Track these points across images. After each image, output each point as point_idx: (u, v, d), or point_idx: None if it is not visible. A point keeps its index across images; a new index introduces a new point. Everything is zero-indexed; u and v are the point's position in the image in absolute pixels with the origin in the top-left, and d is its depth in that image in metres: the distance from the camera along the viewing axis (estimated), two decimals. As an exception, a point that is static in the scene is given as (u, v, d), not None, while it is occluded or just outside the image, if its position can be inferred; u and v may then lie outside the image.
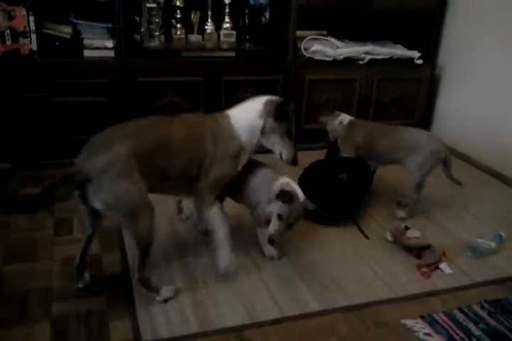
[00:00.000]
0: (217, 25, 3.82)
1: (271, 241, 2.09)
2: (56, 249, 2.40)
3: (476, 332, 2.01)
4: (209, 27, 3.78)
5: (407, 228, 2.67)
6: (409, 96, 4.09)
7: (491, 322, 2.07)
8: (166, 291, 2.08)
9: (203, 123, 2.17)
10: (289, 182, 2.19)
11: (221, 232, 2.16)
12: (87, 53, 3.35)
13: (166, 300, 2.06)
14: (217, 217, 2.17)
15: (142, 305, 2.05)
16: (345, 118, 3.06)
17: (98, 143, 1.89)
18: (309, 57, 3.80)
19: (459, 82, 4.00)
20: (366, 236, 2.67)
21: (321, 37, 3.90)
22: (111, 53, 3.37)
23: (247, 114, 2.17)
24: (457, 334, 1.99)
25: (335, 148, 3.08)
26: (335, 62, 3.81)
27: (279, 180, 2.19)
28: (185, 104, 3.52)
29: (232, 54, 3.67)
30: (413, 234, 2.67)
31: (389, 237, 2.61)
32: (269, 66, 3.69)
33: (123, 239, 2.49)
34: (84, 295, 2.08)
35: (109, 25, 3.39)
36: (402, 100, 4.06)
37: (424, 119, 4.21)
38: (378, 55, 3.92)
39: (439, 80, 4.18)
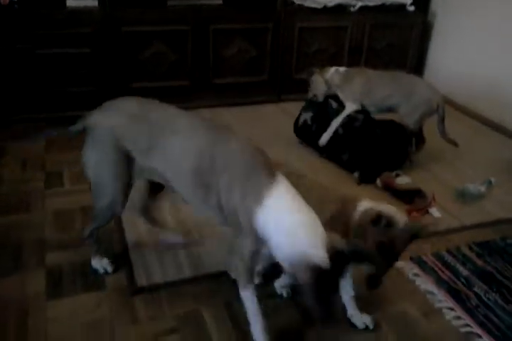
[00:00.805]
0: (203, -29, 3.66)
1: (373, 283, 1.50)
2: (47, 201, 2.40)
3: (464, 272, 2.06)
4: (195, -27, 3.62)
5: (397, 175, 2.68)
6: (401, 43, 4.01)
7: (479, 262, 2.12)
8: (99, 262, 1.96)
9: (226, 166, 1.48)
10: (372, 206, 1.54)
11: (257, 326, 1.59)
12: (70, 3, 3.22)
13: (95, 270, 1.95)
14: (250, 305, 1.58)
15: (136, 252, 2.08)
16: (340, 68, 2.99)
17: (109, 104, 1.73)
18: (299, 4, 3.69)
19: (452, 29, 3.92)
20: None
21: (311, -17, 3.77)
22: (94, 3, 3.25)
23: (297, 215, 1.37)
24: (445, 274, 2.04)
25: (317, 104, 3.04)
26: (325, 10, 3.69)
27: (359, 207, 1.55)
28: (172, 55, 3.43)
29: (220, 1, 3.55)
30: (403, 180, 2.69)
31: (379, 184, 2.63)
32: (258, 14, 3.57)
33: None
34: (78, 245, 2.09)
35: (92, -27, 3.25)
36: (394, 48, 3.99)
37: (417, 67, 4.15)
38: (369, 1, 3.81)
39: (431, 27, 4.09)
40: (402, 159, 2.81)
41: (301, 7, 3.68)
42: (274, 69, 3.73)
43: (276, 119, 3.50)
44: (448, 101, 3.76)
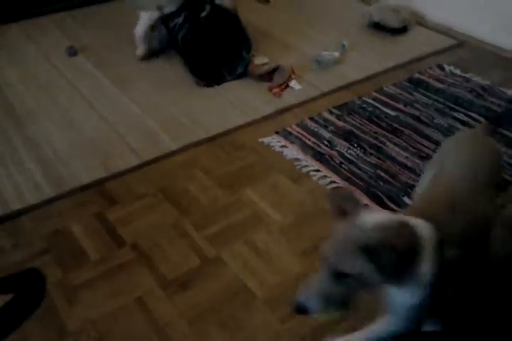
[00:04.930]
0: None
1: None
2: None
3: (327, 134, 2.11)
4: None
5: (252, 55, 2.59)
6: None
7: (339, 123, 2.18)
8: None
9: None
10: None
11: None
12: None
13: None
14: None
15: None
16: None
17: None
18: None
19: None
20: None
21: None
22: None
23: None
24: (310, 140, 2.08)
25: None
26: None
27: None
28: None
29: None
30: (261, 60, 2.63)
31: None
32: None
33: None
34: None
35: None
36: None
37: None
38: None
39: None
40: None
41: None
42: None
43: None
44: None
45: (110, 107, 2.32)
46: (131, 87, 2.47)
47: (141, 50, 2.67)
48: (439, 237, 0.98)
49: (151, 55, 2.71)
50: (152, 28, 2.62)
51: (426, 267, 0.96)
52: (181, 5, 2.48)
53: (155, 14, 2.52)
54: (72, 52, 2.73)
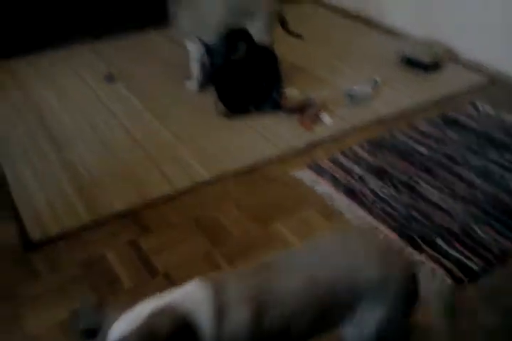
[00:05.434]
0: None
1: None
2: None
3: (358, 171, 2.13)
4: None
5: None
6: None
7: (371, 159, 2.20)
8: None
9: None
10: None
11: None
12: None
13: None
14: None
15: (24, 205, 1.93)
16: None
17: None
18: None
19: None
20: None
21: None
22: None
23: None
24: (341, 175, 2.10)
25: None
26: None
27: None
28: None
29: None
30: (291, 92, 2.67)
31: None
32: None
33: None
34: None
35: None
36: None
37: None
38: None
39: None
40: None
41: None
42: None
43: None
44: (322, 3, 3.74)
45: (145, 134, 2.37)
46: (166, 115, 2.53)
47: (194, 84, 2.73)
48: (221, 302, 0.98)
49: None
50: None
51: (210, 334, 0.96)
52: (223, 37, 2.54)
53: (202, 49, 2.58)
54: (110, 78, 2.82)
